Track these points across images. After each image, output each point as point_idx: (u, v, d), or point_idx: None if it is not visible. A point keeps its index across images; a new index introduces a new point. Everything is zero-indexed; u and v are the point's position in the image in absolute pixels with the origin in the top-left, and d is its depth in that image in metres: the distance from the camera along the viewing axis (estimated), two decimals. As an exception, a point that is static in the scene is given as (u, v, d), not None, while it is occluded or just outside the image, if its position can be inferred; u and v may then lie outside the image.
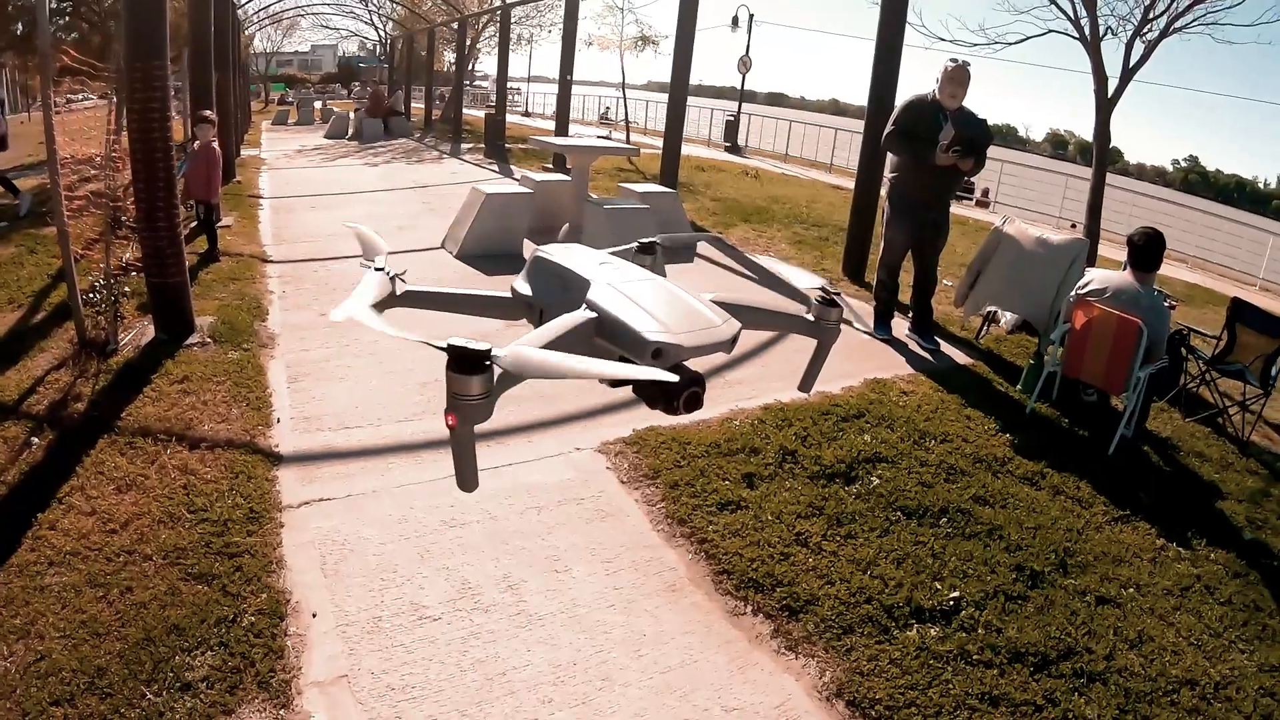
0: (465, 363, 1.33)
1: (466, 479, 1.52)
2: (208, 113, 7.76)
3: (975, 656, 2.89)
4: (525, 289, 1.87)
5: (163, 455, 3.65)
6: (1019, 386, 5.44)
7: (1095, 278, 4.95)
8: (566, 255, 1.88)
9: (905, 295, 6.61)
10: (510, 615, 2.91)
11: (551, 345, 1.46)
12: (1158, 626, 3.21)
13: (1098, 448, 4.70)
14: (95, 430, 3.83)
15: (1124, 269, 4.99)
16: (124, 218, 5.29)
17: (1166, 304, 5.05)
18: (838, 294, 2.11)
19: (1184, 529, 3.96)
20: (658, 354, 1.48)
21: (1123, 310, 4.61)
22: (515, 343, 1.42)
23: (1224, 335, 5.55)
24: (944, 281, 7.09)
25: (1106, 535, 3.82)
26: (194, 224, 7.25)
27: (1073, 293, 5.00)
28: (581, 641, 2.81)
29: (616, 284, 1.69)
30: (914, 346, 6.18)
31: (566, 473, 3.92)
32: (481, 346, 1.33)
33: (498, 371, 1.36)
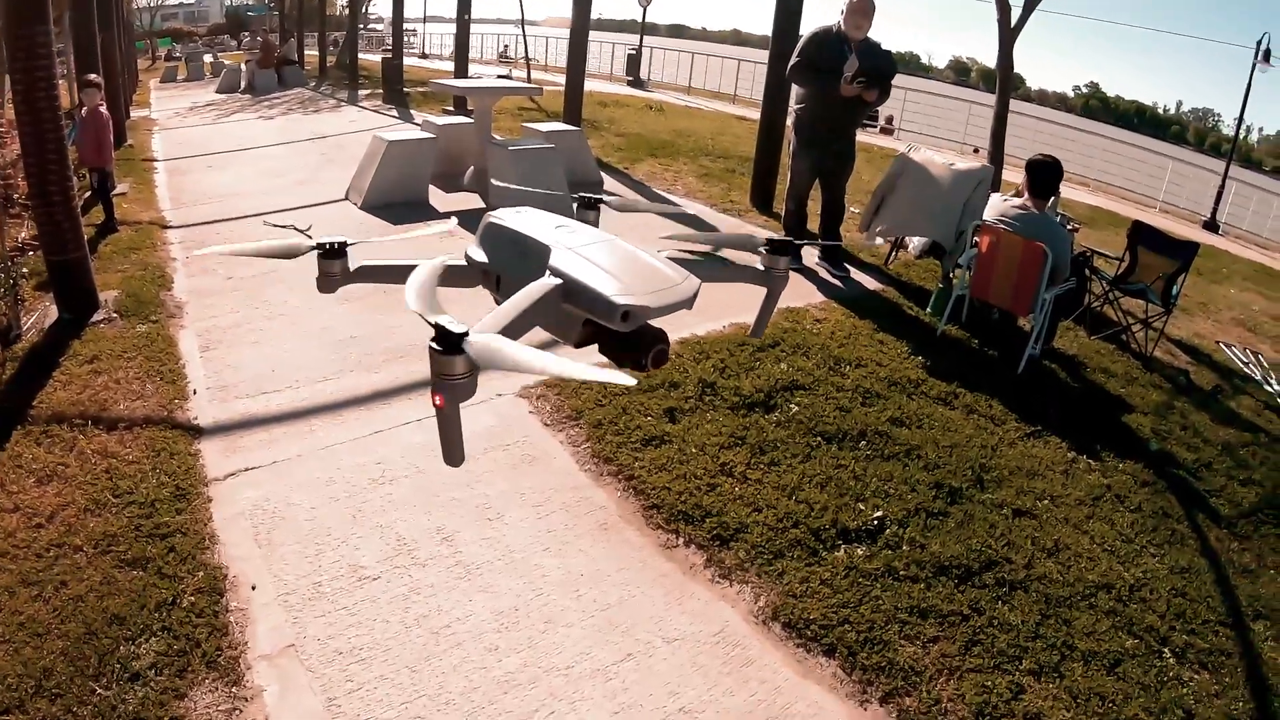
0: (448, 343, 1.32)
1: (454, 455, 1.54)
2: (93, 76, 7.31)
3: (902, 572, 3.04)
4: (480, 256, 1.85)
5: (81, 441, 3.53)
6: (928, 310, 5.63)
7: (997, 205, 5.11)
8: (519, 220, 1.86)
9: (814, 224, 6.72)
10: (448, 567, 2.94)
11: (521, 317, 1.46)
12: (1073, 535, 3.41)
13: (1007, 367, 4.92)
14: (7, 422, 3.66)
15: (1018, 195, 5.15)
16: (15, 194, 5.00)
17: (1069, 228, 5.24)
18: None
19: (1093, 442, 4.18)
20: (625, 316, 1.50)
21: (1026, 235, 4.79)
22: (485, 321, 1.41)
23: (1126, 257, 5.82)
24: (851, 209, 7.23)
25: (1020, 450, 4.02)
26: (88, 194, 6.91)
27: (979, 218, 5.16)
28: (520, 587, 2.87)
29: (576, 248, 1.70)
30: (825, 275, 6.30)
31: (489, 419, 3.92)
32: (458, 329, 1.32)
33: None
